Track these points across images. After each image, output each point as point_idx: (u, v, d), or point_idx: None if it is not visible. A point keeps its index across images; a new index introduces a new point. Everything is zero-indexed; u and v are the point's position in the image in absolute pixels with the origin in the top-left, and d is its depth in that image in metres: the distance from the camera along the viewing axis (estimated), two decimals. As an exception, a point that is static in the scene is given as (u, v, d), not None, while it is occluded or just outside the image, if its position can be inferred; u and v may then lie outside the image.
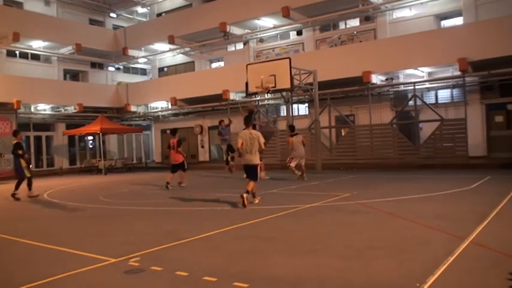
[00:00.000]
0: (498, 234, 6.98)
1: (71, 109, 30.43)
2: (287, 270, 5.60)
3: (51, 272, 5.85)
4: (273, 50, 28.99)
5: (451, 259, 5.58)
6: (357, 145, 22.59)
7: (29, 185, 15.09)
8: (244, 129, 11.46)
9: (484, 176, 15.10)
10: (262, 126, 20.02)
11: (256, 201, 11.43)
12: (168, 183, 16.20)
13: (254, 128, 12.42)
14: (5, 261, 6.85)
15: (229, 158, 19.51)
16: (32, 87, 27.99)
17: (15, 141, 15.27)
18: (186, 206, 11.76)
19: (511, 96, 20.79)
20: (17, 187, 14.91)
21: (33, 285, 5.41)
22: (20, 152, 15.01)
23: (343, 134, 24.70)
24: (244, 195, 10.83)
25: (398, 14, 24.60)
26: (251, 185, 11.24)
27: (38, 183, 14.60)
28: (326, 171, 19.95)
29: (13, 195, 14.81)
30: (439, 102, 22.64)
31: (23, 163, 15.09)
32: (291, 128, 18.22)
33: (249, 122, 11.63)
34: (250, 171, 11.35)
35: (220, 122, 20.24)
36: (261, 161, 11.97)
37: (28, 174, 15.09)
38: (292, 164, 17.00)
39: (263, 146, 11.41)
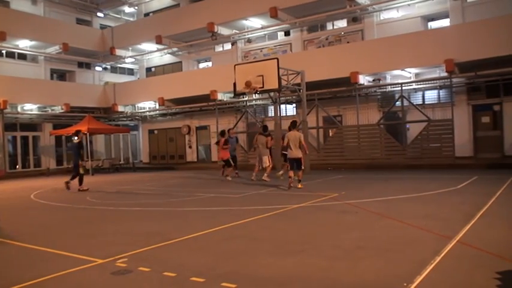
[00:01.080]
0: (484, 234, 7.04)
1: (58, 109, 30.25)
2: (275, 270, 5.61)
3: (38, 273, 5.82)
4: (261, 51, 29.02)
5: (438, 259, 5.62)
6: (344, 145, 22.68)
7: (80, 181, 16.90)
8: (290, 131, 14.82)
9: (471, 176, 15.22)
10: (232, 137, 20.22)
11: (300, 186, 14.24)
12: (227, 175, 18.64)
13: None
14: (-9, 262, 6.80)
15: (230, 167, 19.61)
16: (18, 87, 27.79)
17: (77, 141, 17.30)
18: (175, 206, 11.73)
19: (497, 97, 21.01)
20: (72, 178, 17.09)
21: (21, 286, 5.37)
22: (81, 151, 17.12)
23: (330, 134, 24.77)
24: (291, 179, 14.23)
25: (385, 15, 24.72)
26: (299, 174, 14.36)
27: (25, 184, 14.51)
28: (314, 172, 19.98)
29: (66, 182, 17.12)
30: (426, 103, 22.78)
31: (82, 162, 17.05)
32: (264, 128, 18.73)
33: (294, 126, 15.09)
34: (296, 163, 14.25)
35: (229, 130, 20.64)
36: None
37: (81, 172, 16.92)
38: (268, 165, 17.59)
39: (304, 143, 14.46)
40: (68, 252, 6.92)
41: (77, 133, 17.74)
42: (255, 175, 17.65)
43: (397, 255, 5.97)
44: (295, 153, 14.17)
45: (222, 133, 19.79)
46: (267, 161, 17.52)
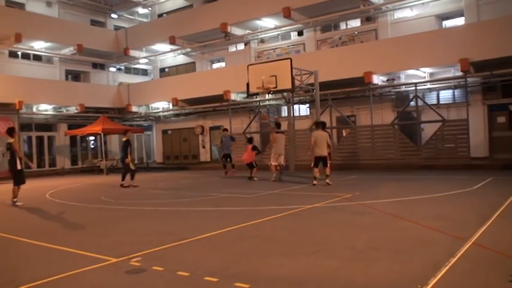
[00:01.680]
0: (500, 236, 6.97)
1: (73, 109, 30.46)
2: (288, 270, 5.60)
3: (53, 271, 5.86)
4: (274, 51, 28.99)
5: (453, 260, 5.57)
6: (358, 146, 22.57)
7: (132, 176, 17.86)
8: (316, 130, 15.68)
9: (486, 177, 15.08)
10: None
11: (328, 181, 15.01)
12: (252, 177, 18.53)
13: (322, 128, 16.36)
14: (8, 260, 6.86)
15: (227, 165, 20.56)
16: (34, 88, 28.03)
17: (125, 139, 18.02)
18: (188, 206, 11.75)
19: (513, 97, 20.81)
20: (124, 176, 17.98)
21: (36, 285, 5.42)
22: (129, 149, 17.74)
23: (344, 134, 24.67)
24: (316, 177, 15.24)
25: (399, 14, 24.58)
26: (327, 170, 15.26)
27: (40, 183, 14.63)
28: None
29: (121, 185, 17.79)
30: (441, 102, 22.62)
31: (129, 158, 17.66)
32: (278, 125, 18.67)
33: (318, 126, 15.90)
34: (322, 161, 15.23)
35: (224, 130, 21.29)
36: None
37: (132, 167, 17.79)
38: (274, 163, 17.57)
39: (329, 143, 15.49)
40: (82, 251, 6.96)
41: (125, 132, 18.72)
42: (275, 176, 17.51)
43: (411, 257, 5.93)
44: (322, 151, 15.16)
45: (250, 140, 19.84)
46: (282, 160, 17.61)
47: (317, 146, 15.17)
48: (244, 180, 18.29)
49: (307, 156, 23.09)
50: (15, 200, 13.37)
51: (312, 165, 15.45)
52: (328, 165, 15.36)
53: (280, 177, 17.49)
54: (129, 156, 17.69)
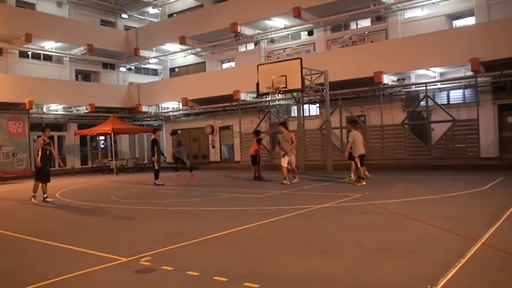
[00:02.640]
0: (510, 236, 6.93)
1: (83, 109, 30.61)
2: (298, 270, 5.60)
3: (63, 271, 5.89)
4: (284, 51, 28.97)
5: (463, 261, 5.55)
6: (368, 146, 22.47)
7: (156, 175, 18.43)
8: (354, 130, 15.50)
9: (496, 177, 15.00)
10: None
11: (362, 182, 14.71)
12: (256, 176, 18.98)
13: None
14: (19, 259, 6.90)
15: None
16: (44, 88, 28.20)
17: (152, 138, 18.83)
18: (198, 206, 11.78)
19: (524, 96, 20.68)
20: (156, 177, 18.49)
21: (45, 284, 5.45)
22: (155, 147, 18.31)
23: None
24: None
25: (410, 14, 24.49)
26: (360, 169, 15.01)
27: (50, 183, 14.74)
28: (337, 172, 19.90)
29: (155, 183, 18.33)
30: (451, 102, 22.49)
31: (155, 157, 18.29)
32: (284, 124, 17.36)
33: (355, 124, 16.09)
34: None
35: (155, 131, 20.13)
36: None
37: (156, 167, 18.36)
38: (284, 164, 16.48)
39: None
40: (92, 251, 7.00)
41: (154, 131, 19.29)
42: (287, 179, 16.31)
43: (420, 257, 5.91)
44: (364, 149, 15.53)
45: (257, 133, 19.74)
46: (294, 160, 16.68)
47: (361, 144, 15.13)
48: (254, 181, 18.31)
49: (316, 156, 23.19)
50: (44, 196, 13.95)
51: (359, 164, 14.94)
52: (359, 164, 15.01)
53: (291, 179, 16.36)
54: (155, 155, 18.26)
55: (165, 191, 15.92)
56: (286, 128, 16.85)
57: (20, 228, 9.42)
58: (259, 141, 19.34)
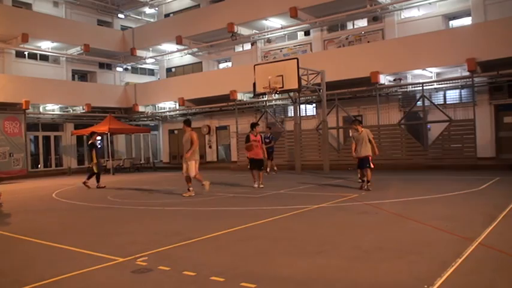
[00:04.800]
0: (506, 236, 6.94)
1: (80, 109, 30.58)
2: (295, 270, 5.60)
3: (59, 271, 5.88)
4: (281, 51, 28.98)
5: (459, 261, 5.56)
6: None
7: (97, 179, 18.13)
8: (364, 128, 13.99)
9: (493, 177, 15.03)
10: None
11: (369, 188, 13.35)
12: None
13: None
14: (15, 259, 6.89)
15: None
16: (40, 88, 28.16)
17: (89, 142, 18.89)
18: (195, 206, 11.77)
19: (520, 96, 20.73)
20: (97, 180, 18.19)
21: (41, 284, 5.44)
22: (93, 151, 18.25)
23: (350, 134, 24.64)
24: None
25: (406, 14, 24.51)
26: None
27: (47, 183, 14.75)
28: (333, 172, 19.92)
29: (84, 183, 18.10)
30: (448, 102, 22.54)
31: (94, 161, 18.14)
32: (187, 122, 14.75)
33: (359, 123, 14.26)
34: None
35: (92, 134, 19.76)
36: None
37: (95, 170, 18.10)
38: (192, 172, 13.85)
39: (372, 141, 13.67)
40: (89, 251, 6.99)
41: (91, 135, 19.40)
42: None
43: (417, 257, 5.92)
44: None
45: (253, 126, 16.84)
46: (192, 169, 13.81)
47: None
48: (250, 181, 18.29)
49: (313, 156, 23.20)
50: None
51: (372, 165, 13.60)
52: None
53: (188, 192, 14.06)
54: (93, 159, 18.12)
55: (162, 191, 15.89)
56: (189, 126, 14.39)
57: (15, 228, 9.40)
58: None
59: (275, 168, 21.79)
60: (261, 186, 15.22)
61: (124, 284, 5.46)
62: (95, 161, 18.13)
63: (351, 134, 16.70)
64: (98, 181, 18.15)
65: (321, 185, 15.41)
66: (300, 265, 5.80)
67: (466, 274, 5.16)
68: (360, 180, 14.22)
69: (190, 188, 13.92)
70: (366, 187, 13.30)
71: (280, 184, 16.22)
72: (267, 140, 20.88)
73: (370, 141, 13.46)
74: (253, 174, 15.57)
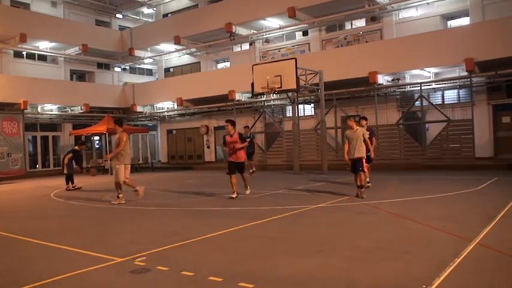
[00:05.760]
0: (504, 236, 6.95)
1: (78, 109, 30.56)
2: (293, 270, 5.60)
3: (58, 271, 5.88)
4: (279, 51, 28.99)
5: (458, 261, 5.56)
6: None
7: (70, 180, 17.90)
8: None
9: (491, 177, 15.04)
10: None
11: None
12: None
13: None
14: (13, 260, 6.87)
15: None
16: (38, 88, 28.14)
17: (75, 149, 18.77)
18: (193, 206, 11.76)
19: (518, 96, 20.75)
20: (71, 182, 17.94)
21: (40, 284, 5.43)
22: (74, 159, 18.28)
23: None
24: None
25: (404, 14, 24.54)
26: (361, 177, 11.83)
27: (45, 183, 14.77)
28: (332, 172, 19.92)
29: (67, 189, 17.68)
30: (446, 102, 22.56)
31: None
32: (118, 121, 13.71)
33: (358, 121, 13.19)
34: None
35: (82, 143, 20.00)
36: None
37: (65, 171, 17.89)
38: (128, 177, 13.01)
39: (367, 141, 12.05)
40: (87, 251, 6.98)
41: (81, 143, 19.67)
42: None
43: (415, 257, 5.92)
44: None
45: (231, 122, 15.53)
46: (121, 174, 12.78)
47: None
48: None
49: (311, 156, 23.20)
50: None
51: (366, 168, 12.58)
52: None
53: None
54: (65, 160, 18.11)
55: (160, 192, 15.88)
56: (120, 126, 13.32)
57: (14, 229, 9.38)
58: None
59: (253, 169, 20.76)
60: (247, 192, 13.38)
61: (122, 284, 5.46)
62: (66, 162, 18.03)
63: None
64: (69, 183, 17.85)
65: (320, 185, 15.39)
66: (299, 265, 5.80)
67: (464, 274, 5.16)
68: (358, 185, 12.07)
69: (120, 195, 12.83)
70: (359, 194, 11.67)
71: (278, 184, 16.21)
72: (248, 140, 20.52)
73: (364, 140, 11.85)
74: (232, 181, 12.95)
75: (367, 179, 13.43)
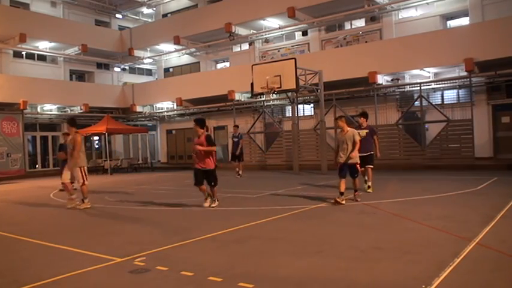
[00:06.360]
0: (504, 236, 6.95)
1: (77, 109, 30.56)
2: (293, 270, 5.60)
3: (57, 271, 5.87)
4: (279, 51, 28.99)
5: (457, 261, 5.56)
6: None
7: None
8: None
9: (491, 177, 15.05)
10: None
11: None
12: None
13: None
14: (13, 260, 6.87)
15: None
16: (38, 88, 28.14)
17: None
18: (192, 206, 11.75)
19: (517, 96, 20.75)
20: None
21: (39, 284, 5.43)
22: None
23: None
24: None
25: (404, 14, 24.55)
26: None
27: (45, 183, 14.78)
28: (331, 172, 19.89)
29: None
30: (445, 102, 22.57)
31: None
32: (72, 122, 13.13)
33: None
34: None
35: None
36: None
37: None
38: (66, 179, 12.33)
39: (356, 144, 10.81)
40: (87, 251, 6.98)
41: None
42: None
43: (415, 257, 5.92)
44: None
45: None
46: (80, 176, 12.13)
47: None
48: (248, 181, 18.31)
49: (311, 156, 23.21)
50: None
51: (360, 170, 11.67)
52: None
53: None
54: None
55: (160, 191, 15.88)
56: (73, 127, 12.80)
57: (13, 229, 9.37)
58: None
59: (240, 172, 20.26)
60: (213, 205, 11.26)
61: (122, 284, 5.45)
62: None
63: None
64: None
65: (319, 185, 15.39)
66: (298, 265, 5.80)
67: (463, 274, 5.16)
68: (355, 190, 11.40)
69: (86, 200, 12.18)
70: (355, 198, 11.10)
71: (278, 184, 16.21)
72: (235, 140, 20.42)
73: (354, 143, 10.78)
74: (202, 189, 11.38)
75: (369, 183, 12.82)
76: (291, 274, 5.45)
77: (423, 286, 4.72)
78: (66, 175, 12.26)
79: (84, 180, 12.02)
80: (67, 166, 12.25)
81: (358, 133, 11.66)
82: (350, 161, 10.85)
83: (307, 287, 5.01)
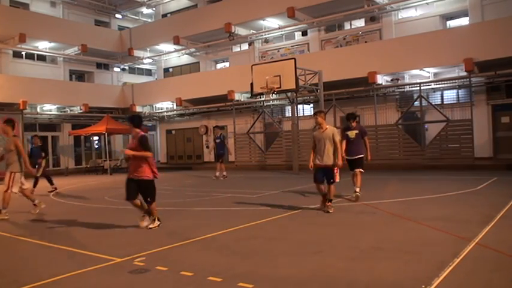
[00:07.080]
0: (504, 236, 6.95)
1: (77, 109, 30.57)
2: (292, 270, 5.60)
3: (57, 271, 5.86)
4: (278, 51, 29.00)
5: (457, 261, 5.56)
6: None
7: (35, 183, 16.78)
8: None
9: (490, 177, 15.05)
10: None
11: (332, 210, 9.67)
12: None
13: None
14: (12, 260, 6.87)
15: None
16: (38, 88, 28.14)
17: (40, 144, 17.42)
18: (192, 206, 11.75)
19: (517, 97, 20.76)
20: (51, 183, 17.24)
21: (39, 284, 5.42)
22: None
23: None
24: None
25: (404, 14, 24.56)
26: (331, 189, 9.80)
27: (44, 183, 14.78)
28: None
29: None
30: (445, 103, 22.58)
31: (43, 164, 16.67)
32: (11, 122, 10.95)
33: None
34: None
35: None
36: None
37: (38, 174, 16.52)
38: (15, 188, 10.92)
39: (337, 145, 9.69)
40: (86, 251, 6.97)
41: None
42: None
43: (415, 257, 5.92)
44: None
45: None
46: (7, 182, 10.77)
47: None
48: (248, 181, 18.29)
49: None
50: None
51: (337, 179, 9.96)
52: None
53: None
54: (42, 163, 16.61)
55: (159, 191, 15.86)
56: (12, 128, 10.88)
57: (13, 229, 9.37)
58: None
59: (224, 173, 19.91)
60: (152, 226, 8.72)
61: (121, 284, 5.45)
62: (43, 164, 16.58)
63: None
64: (34, 185, 16.47)
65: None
66: (298, 265, 5.80)
67: (463, 274, 5.16)
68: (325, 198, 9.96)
69: (36, 202, 11.51)
70: (325, 208, 9.74)
71: (277, 184, 16.21)
72: (218, 141, 20.16)
73: (335, 144, 9.66)
74: (135, 204, 9.06)
75: (357, 189, 11.27)
76: (291, 274, 5.45)
77: (423, 286, 4.71)
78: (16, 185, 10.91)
79: (8, 188, 10.66)
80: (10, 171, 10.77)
81: (347, 134, 11.23)
82: (326, 162, 9.63)
83: (307, 287, 5.01)
